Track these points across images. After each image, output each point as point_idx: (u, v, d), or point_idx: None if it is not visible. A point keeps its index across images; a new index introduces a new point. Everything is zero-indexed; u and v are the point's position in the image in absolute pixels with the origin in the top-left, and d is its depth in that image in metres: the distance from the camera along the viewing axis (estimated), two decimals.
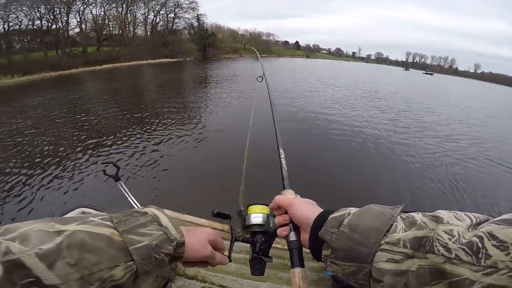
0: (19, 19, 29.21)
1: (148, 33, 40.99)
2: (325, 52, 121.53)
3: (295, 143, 6.07)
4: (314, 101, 11.43)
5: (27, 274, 0.27)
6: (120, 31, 38.00)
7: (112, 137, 6.48)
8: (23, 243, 0.28)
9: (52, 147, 5.99)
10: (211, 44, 44.94)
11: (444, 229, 0.31)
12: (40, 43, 30.86)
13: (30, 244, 0.28)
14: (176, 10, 41.75)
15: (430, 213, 0.35)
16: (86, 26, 35.14)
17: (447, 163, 6.02)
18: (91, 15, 34.86)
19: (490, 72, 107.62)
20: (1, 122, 8.17)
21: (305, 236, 0.47)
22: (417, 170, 5.52)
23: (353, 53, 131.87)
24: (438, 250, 0.30)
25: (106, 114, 8.97)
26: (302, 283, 0.46)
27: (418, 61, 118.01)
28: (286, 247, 0.52)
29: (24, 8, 29.11)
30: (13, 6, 28.09)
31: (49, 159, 5.31)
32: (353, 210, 0.40)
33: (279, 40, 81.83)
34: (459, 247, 0.29)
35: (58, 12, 31.76)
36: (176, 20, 42.73)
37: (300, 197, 0.57)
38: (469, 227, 0.31)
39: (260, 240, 0.58)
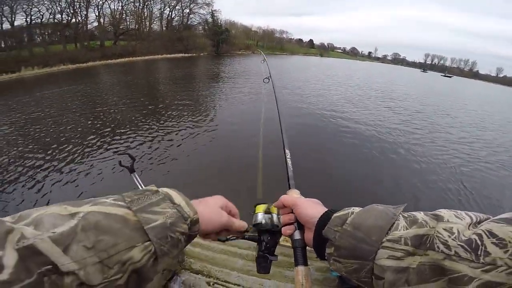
0: (41, 13, 30.30)
1: (164, 28, 41.50)
2: (339, 51, 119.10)
3: (303, 142, 6.02)
4: (325, 100, 11.27)
5: (44, 262, 0.26)
6: (137, 25, 38.73)
7: (126, 128, 6.58)
8: (37, 227, 0.27)
9: (67, 136, 6.16)
10: (225, 40, 45.06)
11: (444, 226, 0.32)
12: (60, 36, 31.89)
13: (43, 228, 0.27)
14: (192, 5, 42.07)
15: (431, 212, 0.36)
16: (104, 20, 36.06)
17: (457, 166, 5.84)
18: (109, 9, 35.76)
19: None
20: (21, 111, 8.56)
21: (309, 235, 0.47)
22: (425, 171, 5.38)
23: (369, 53, 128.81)
24: (438, 247, 0.31)
25: (121, 106, 9.13)
26: (305, 281, 0.46)
27: (436, 63, 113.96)
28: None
29: (46, 2, 30.13)
30: (35, 0, 29.17)
31: (64, 147, 5.46)
32: (356, 209, 0.41)
33: (292, 37, 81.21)
34: (458, 244, 0.29)
35: (78, 6, 32.72)
36: (191, 16, 43.10)
37: (305, 197, 0.57)
38: (469, 226, 0.31)
39: (266, 239, 0.58)
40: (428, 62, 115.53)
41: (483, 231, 0.29)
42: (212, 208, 0.48)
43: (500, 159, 6.76)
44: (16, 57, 24.69)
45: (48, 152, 5.29)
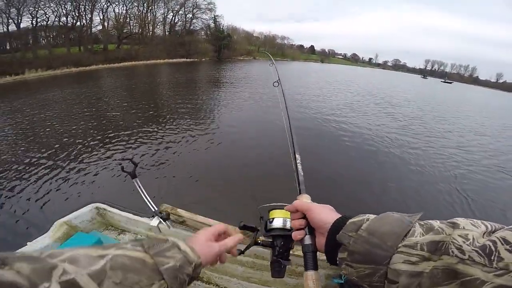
0: (46, 15, 30.61)
1: (167, 33, 41.84)
2: (340, 57, 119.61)
3: (307, 148, 6.10)
4: (325, 106, 11.40)
5: None
6: (140, 29, 39.08)
7: (128, 133, 6.68)
8: (74, 265, 0.31)
9: (70, 139, 6.27)
10: (226, 46, 45.35)
11: (459, 233, 0.32)
12: (65, 39, 32.21)
13: (80, 266, 0.31)
14: (194, 10, 42.47)
15: (448, 220, 0.36)
16: (108, 24, 36.41)
17: (458, 174, 5.90)
18: (113, 13, 36.20)
19: None
20: (25, 113, 8.73)
21: (321, 241, 0.49)
22: (430, 179, 5.43)
23: (370, 59, 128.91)
24: (452, 252, 0.31)
25: (123, 110, 9.28)
26: (315, 285, 0.47)
27: (437, 69, 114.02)
28: (295, 253, 0.61)
29: (52, 5, 30.48)
30: (42, 2, 29.46)
31: (66, 151, 5.56)
32: (371, 216, 0.42)
33: (293, 43, 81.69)
34: (472, 249, 0.30)
35: (83, 9, 33.09)
36: (194, 21, 43.47)
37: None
38: (484, 234, 0.32)
39: (280, 244, 0.60)
40: (428, 68, 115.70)
41: (497, 238, 0.30)
42: (201, 245, 0.51)
43: (500, 164, 6.87)
44: (21, 59, 24.91)
45: (51, 154, 5.39)
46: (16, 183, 4.32)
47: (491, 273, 0.28)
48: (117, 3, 35.78)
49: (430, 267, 0.32)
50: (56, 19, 31.69)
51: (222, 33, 45.47)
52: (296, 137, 0.88)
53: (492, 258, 0.28)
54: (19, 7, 27.65)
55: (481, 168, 6.45)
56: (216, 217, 1.64)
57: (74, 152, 5.51)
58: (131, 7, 37.25)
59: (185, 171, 4.81)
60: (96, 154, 5.42)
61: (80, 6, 32.71)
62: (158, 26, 41.57)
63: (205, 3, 42.43)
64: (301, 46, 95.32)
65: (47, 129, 7.07)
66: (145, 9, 38.40)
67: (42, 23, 30.77)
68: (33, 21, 29.81)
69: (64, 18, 32.31)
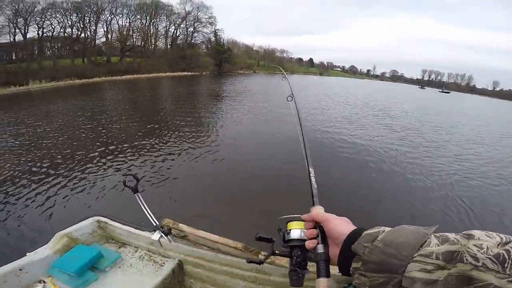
0: (52, 26, 31.38)
1: (168, 46, 42.69)
2: (339, 69, 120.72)
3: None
4: (324, 119, 11.54)
5: None
6: (143, 42, 39.94)
7: (130, 146, 6.71)
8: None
9: (72, 151, 6.33)
10: (227, 59, 46.11)
11: (474, 243, 0.33)
12: (69, 50, 32.82)
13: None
14: (196, 24, 43.43)
15: (464, 232, 0.37)
16: (111, 36, 37.26)
17: (461, 183, 5.93)
18: (117, 25, 37.10)
19: (510, 89, 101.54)
20: (28, 125, 8.84)
21: (334, 251, 0.50)
22: (438, 190, 5.44)
23: (368, 70, 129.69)
24: (466, 259, 0.32)
25: (126, 123, 9.36)
26: None
27: (434, 79, 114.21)
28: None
29: (58, 16, 31.32)
30: (48, 13, 30.27)
31: (69, 163, 5.61)
32: (387, 229, 0.43)
33: (292, 57, 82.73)
34: (486, 257, 0.31)
35: (88, 20, 33.99)
36: (195, 34, 44.35)
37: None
38: (498, 244, 0.33)
39: (297, 254, 0.64)
40: (426, 78, 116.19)
41: (511, 248, 0.31)
42: None
43: (497, 171, 6.90)
44: (26, 70, 25.27)
45: (53, 166, 5.43)
46: (18, 193, 4.35)
47: (504, 279, 0.29)
48: (120, 16, 36.79)
49: (444, 274, 0.33)
50: (61, 30, 32.40)
51: (222, 47, 46.27)
52: (310, 151, 0.91)
53: (506, 265, 0.29)
54: (27, 17, 28.31)
55: (483, 176, 6.49)
56: (218, 232, 1.66)
57: (76, 165, 5.55)
58: (134, 19, 38.21)
59: (187, 185, 4.81)
60: (97, 167, 5.46)
61: (85, 17, 33.60)
62: (160, 39, 42.48)
63: (206, 17, 43.52)
64: (300, 59, 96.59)
65: (50, 141, 7.14)
66: (147, 22, 39.33)
67: (48, 34, 31.42)
68: (39, 32, 30.41)
69: (69, 29, 33.04)
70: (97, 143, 6.97)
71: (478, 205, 5.03)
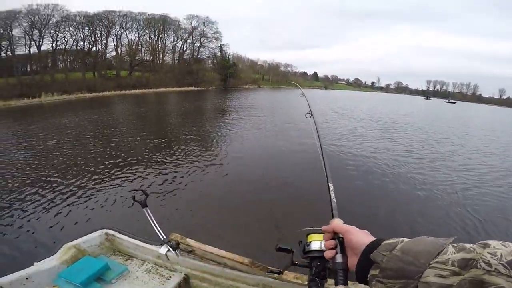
0: (65, 39, 32.81)
1: (176, 61, 43.79)
2: (343, 82, 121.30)
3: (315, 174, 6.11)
4: (328, 133, 11.51)
5: None
6: (151, 57, 41.17)
7: (138, 160, 6.78)
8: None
9: (82, 165, 6.44)
10: (232, 74, 46.72)
11: (489, 251, 0.35)
12: (81, 63, 34.04)
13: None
14: (202, 39, 44.43)
15: (480, 242, 0.38)
16: (121, 50, 38.67)
17: (472, 195, 5.84)
18: (127, 39, 38.50)
19: None
20: (40, 137, 9.10)
21: (353, 260, 0.53)
22: (456, 204, 5.36)
23: (372, 83, 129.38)
24: (480, 265, 0.34)
25: (134, 137, 9.48)
26: None
27: (439, 89, 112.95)
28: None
29: (71, 29, 32.84)
30: (62, 26, 31.75)
31: (78, 176, 5.70)
32: (406, 239, 0.45)
33: (297, 71, 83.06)
34: (499, 263, 0.33)
35: (99, 34, 35.47)
36: (201, 49, 45.28)
37: None
38: None
39: (316, 264, 0.67)
40: (431, 88, 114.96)
41: None
42: None
43: (508, 183, 6.74)
44: (39, 82, 26.16)
45: (63, 178, 5.53)
46: (29, 203, 4.44)
47: None
48: (130, 30, 38.25)
49: (459, 280, 0.35)
50: (74, 43, 33.78)
51: (228, 62, 46.93)
52: (329, 166, 0.93)
53: None
54: (42, 29, 29.68)
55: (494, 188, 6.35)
56: (226, 247, 1.67)
57: (86, 177, 5.63)
58: (143, 34, 39.57)
59: (195, 199, 4.81)
60: (107, 180, 5.52)
61: (97, 31, 35.06)
62: (167, 54, 43.64)
63: (212, 32, 44.55)
64: (305, 73, 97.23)
65: (61, 154, 7.28)
66: (156, 36, 40.55)
67: (61, 47, 32.73)
68: (53, 44, 31.73)
69: (82, 43, 34.42)
70: (107, 157, 7.07)
71: (495, 216, 4.94)
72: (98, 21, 34.66)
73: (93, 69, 34.63)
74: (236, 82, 47.94)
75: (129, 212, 4.05)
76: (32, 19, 28.91)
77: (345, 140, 10.41)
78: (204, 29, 43.97)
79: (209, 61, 46.97)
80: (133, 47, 38.88)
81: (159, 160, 6.93)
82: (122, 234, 1.93)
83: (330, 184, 0.84)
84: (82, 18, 33.20)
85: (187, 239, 1.68)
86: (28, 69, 30.35)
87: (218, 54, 46.76)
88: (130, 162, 6.69)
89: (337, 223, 0.62)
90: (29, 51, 29.51)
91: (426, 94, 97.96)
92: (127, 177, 5.76)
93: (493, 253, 0.34)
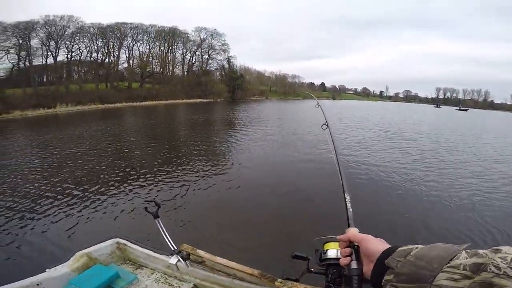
0: (80, 50, 34.25)
1: (185, 73, 44.81)
2: (351, 92, 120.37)
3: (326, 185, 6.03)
4: (344, 142, 11.36)
5: None
6: (161, 69, 42.37)
7: (149, 171, 6.84)
8: None
9: (95, 175, 6.56)
10: (240, 86, 47.15)
11: (500, 256, 0.37)
12: (94, 75, 35.23)
13: None
14: (210, 51, 45.46)
15: (493, 247, 0.40)
16: (133, 62, 39.95)
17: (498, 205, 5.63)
18: (138, 51, 39.81)
19: None
20: (56, 147, 9.42)
21: (369, 267, 0.54)
22: (472, 213, 5.17)
23: (381, 92, 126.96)
24: (490, 269, 0.36)
25: (145, 149, 9.58)
26: None
27: (449, 97, 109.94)
28: None
29: (85, 40, 34.29)
30: (77, 37, 33.20)
31: (91, 186, 5.81)
32: (420, 246, 0.47)
33: (304, 81, 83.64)
34: (508, 266, 0.35)
35: (112, 46, 36.86)
36: (210, 61, 46.20)
37: None
38: None
39: (332, 271, 0.70)
40: (441, 96, 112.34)
41: None
42: None
43: None
44: (54, 93, 27.09)
45: (77, 188, 5.65)
46: (44, 211, 4.54)
47: None
48: (141, 42, 39.64)
49: (469, 282, 0.37)
50: (88, 54, 35.12)
51: (235, 74, 47.45)
52: (346, 177, 0.95)
53: None
54: (58, 40, 31.03)
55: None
56: (236, 257, 1.67)
57: (99, 187, 5.73)
58: (153, 46, 40.87)
59: (206, 211, 4.80)
60: (119, 190, 5.59)
61: (109, 42, 36.39)
62: (177, 66, 44.75)
63: (219, 44, 45.56)
64: (312, 83, 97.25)
65: (75, 163, 7.45)
66: (166, 48, 41.75)
67: (76, 58, 34.07)
68: (68, 55, 33.06)
69: (95, 54, 35.72)
70: (119, 167, 7.20)
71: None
72: (111, 33, 35.99)
73: (106, 80, 35.71)
74: (244, 93, 48.28)
75: (141, 222, 4.06)
76: (49, 29, 30.27)
77: (356, 149, 10.27)
78: (212, 41, 45.03)
79: (217, 73, 47.70)
80: (144, 59, 40.02)
81: (170, 171, 6.96)
82: (133, 243, 1.96)
83: (346, 195, 0.86)
84: (96, 29, 34.55)
85: (198, 250, 1.70)
86: (45, 80, 31.57)
87: (226, 66, 47.44)
88: (142, 172, 6.76)
89: (353, 232, 0.64)
90: (46, 61, 30.86)
91: (436, 102, 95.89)
92: (138, 187, 5.81)
93: (503, 258, 0.36)
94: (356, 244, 0.60)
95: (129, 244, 1.96)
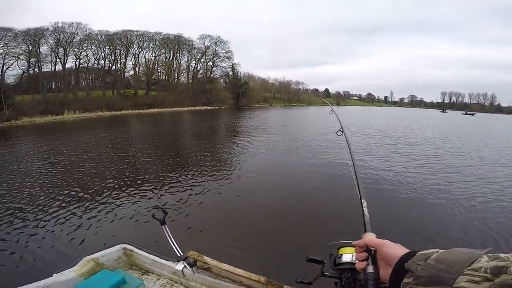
0: (88, 57, 34.84)
1: (190, 80, 45.18)
2: (356, 98, 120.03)
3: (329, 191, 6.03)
4: (342, 153, 11.29)
5: None
6: (166, 77, 42.91)
7: (155, 178, 6.88)
8: None
9: (102, 181, 6.62)
10: (244, 93, 47.29)
11: None
12: (101, 82, 35.84)
13: None
14: (214, 58, 45.83)
15: None
16: (139, 69, 40.55)
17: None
18: (144, 59, 40.41)
19: None
20: (64, 153, 9.60)
21: (387, 271, 0.55)
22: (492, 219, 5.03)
23: (385, 97, 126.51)
24: (510, 271, 0.36)
25: (151, 156, 9.65)
26: None
27: (455, 101, 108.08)
28: None
29: (93, 47, 34.94)
30: (85, 44, 33.81)
31: (99, 192, 5.88)
32: (441, 250, 0.47)
33: (308, 88, 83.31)
34: None
35: (118, 53, 37.49)
36: (214, 69, 46.58)
37: None
38: None
39: (347, 276, 0.70)
40: (446, 100, 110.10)
41: None
42: None
43: None
44: (62, 100, 27.56)
45: (85, 193, 5.72)
46: (51, 217, 4.60)
47: None
48: (147, 49, 40.23)
49: (489, 285, 0.37)
50: (95, 61, 35.75)
51: (239, 81, 47.77)
52: (362, 183, 0.94)
53: None
54: (66, 47, 31.71)
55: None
56: (238, 264, 1.67)
57: (106, 193, 5.78)
58: (159, 53, 41.39)
59: (214, 217, 4.81)
60: (125, 197, 5.63)
61: (116, 50, 36.99)
62: (182, 74, 45.17)
63: (223, 51, 45.96)
64: (316, 90, 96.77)
65: (82, 169, 7.56)
66: (171, 56, 42.21)
67: (84, 65, 34.67)
68: (77, 62, 33.68)
69: (102, 61, 36.38)
70: (126, 174, 7.27)
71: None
72: (117, 40, 36.66)
73: (113, 87, 36.30)
74: (248, 100, 48.36)
75: (148, 228, 4.06)
76: (58, 36, 30.92)
77: (367, 154, 10.21)
78: (216, 48, 45.47)
79: (222, 80, 47.99)
80: (150, 66, 40.62)
81: (176, 177, 6.98)
82: (140, 249, 1.98)
83: (363, 200, 0.87)
84: (103, 36, 35.30)
85: (204, 257, 1.70)
86: (53, 86, 32.22)
87: (230, 73, 47.83)
88: (149, 179, 6.80)
89: (370, 237, 0.65)
90: (55, 68, 31.51)
91: (441, 106, 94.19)
92: (145, 194, 5.84)
93: None
94: (373, 249, 0.60)
95: (135, 250, 1.98)
